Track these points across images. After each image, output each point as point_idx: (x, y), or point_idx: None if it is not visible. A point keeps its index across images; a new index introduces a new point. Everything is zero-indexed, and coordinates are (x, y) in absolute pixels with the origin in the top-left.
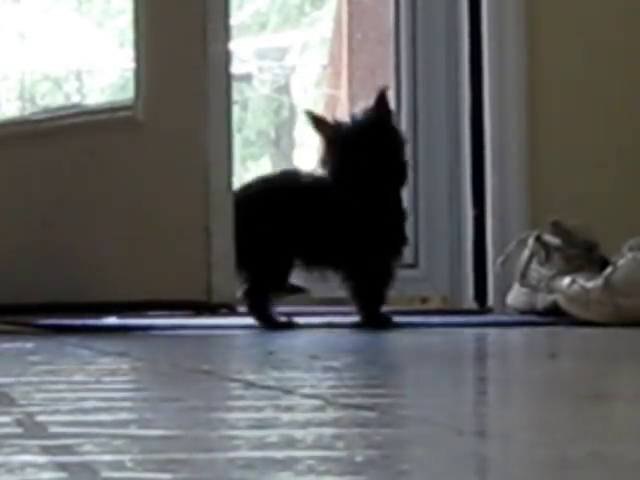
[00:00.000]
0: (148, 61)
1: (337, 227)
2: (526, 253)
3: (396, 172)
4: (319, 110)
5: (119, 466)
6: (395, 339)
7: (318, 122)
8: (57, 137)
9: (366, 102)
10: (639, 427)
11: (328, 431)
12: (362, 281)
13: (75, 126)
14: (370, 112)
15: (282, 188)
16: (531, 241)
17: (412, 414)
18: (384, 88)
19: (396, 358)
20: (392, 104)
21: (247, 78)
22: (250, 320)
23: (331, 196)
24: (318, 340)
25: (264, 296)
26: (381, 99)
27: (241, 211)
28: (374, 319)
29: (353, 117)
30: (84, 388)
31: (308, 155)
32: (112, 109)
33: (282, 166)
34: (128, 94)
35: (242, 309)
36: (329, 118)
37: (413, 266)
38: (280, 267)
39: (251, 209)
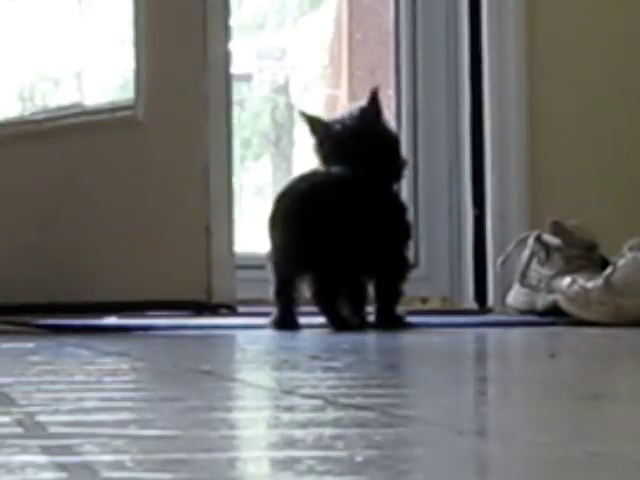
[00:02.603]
0: (148, 61)
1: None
2: (526, 253)
3: (386, 169)
4: (319, 110)
5: (119, 466)
6: (395, 339)
7: (312, 122)
8: (57, 137)
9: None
10: (637, 427)
11: (328, 431)
12: (378, 280)
13: (75, 126)
14: (360, 112)
15: (340, 185)
16: (531, 241)
17: (412, 414)
18: (375, 88)
19: (396, 358)
20: (386, 103)
21: (247, 78)
22: (250, 320)
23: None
24: (318, 340)
25: (336, 296)
26: (372, 99)
27: (309, 208)
28: (390, 319)
29: (343, 117)
30: (84, 388)
31: (308, 155)
32: (112, 109)
33: (282, 166)
34: (128, 94)
35: (242, 309)
36: (323, 118)
37: (413, 266)
38: (351, 266)
39: (322, 206)
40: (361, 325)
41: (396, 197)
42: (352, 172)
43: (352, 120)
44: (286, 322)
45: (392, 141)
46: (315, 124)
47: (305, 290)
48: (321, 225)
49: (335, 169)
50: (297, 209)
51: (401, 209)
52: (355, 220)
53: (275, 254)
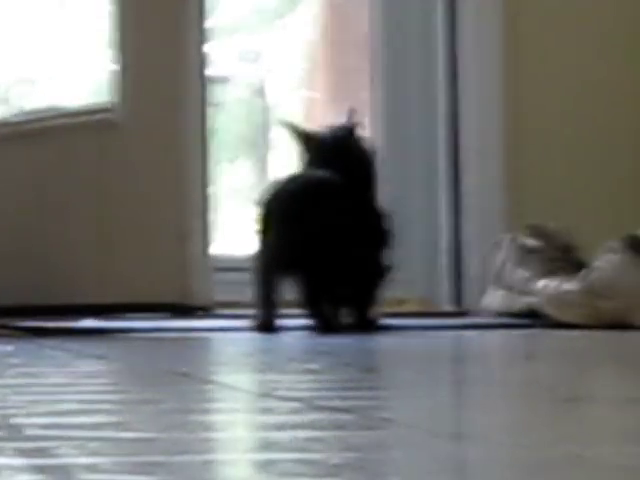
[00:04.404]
0: (126, 64)
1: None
2: (502, 255)
3: (361, 184)
4: (296, 112)
5: (95, 469)
6: (373, 341)
7: (294, 131)
8: (34, 139)
9: (341, 112)
10: (616, 429)
11: (305, 433)
12: (354, 284)
13: (52, 128)
14: (340, 130)
15: (330, 188)
16: (508, 243)
17: (389, 416)
18: (352, 110)
19: (374, 360)
20: (364, 119)
21: (224, 80)
22: (227, 322)
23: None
24: (296, 342)
25: (323, 299)
26: (350, 119)
27: (304, 209)
28: (364, 322)
29: (325, 132)
30: (61, 390)
31: (284, 158)
32: (90, 111)
33: (258, 169)
34: (106, 96)
35: (219, 311)
36: (304, 127)
37: (391, 268)
38: (338, 268)
39: (316, 208)
40: (343, 328)
41: (376, 204)
42: (338, 178)
43: (334, 133)
44: (267, 325)
45: (368, 158)
46: (295, 132)
47: (287, 293)
48: (314, 226)
49: (323, 173)
50: (292, 209)
51: (381, 217)
52: (342, 224)
53: (265, 255)
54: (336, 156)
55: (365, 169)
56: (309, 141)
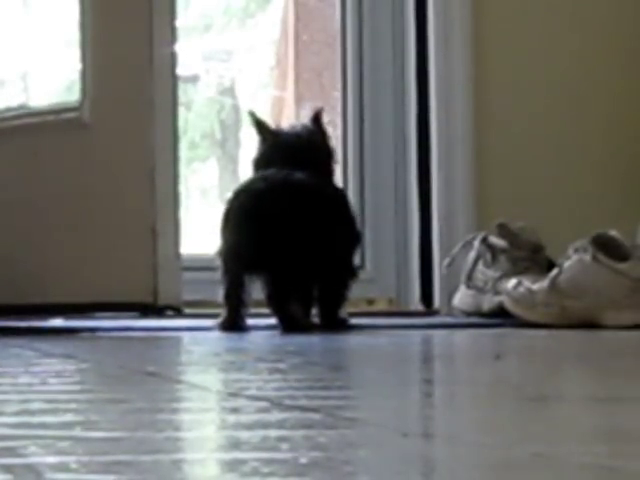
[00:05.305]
0: (94, 62)
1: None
2: (472, 255)
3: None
4: (265, 112)
5: (64, 468)
6: (341, 341)
7: (260, 125)
8: (2, 138)
9: (311, 107)
10: (583, 428)
11: (273, 433)
12: (324, 283)
13: (21, 127)
14: (306, 129)
15: (299, 188)
16: (477, 243)
17: (357, 416)
18: (319, 110)
19: (342, 360)
20: (333, 104)
21: (193, 80)
22: (196, 322)
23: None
24: (264, 342)
25: (289, 298)
26: (316, 120)
27: (266, 208)
28: (333, 322)
29: (292, 129)
30: (29, 390)
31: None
32: (58, 110)
33: (228, 168)
34: (74, 96)
35: (188, 311)
36: (272, 122)
37: (359, 267)
38: (305, 268)
39: (280, 206)
40: (311, 327)
41: (347, 205)
42: (307, 177)
43: (300, 132)
44: (234, 324)
45: (330, 158)
46: (262, 128)
47: (254, 292)
48: (278, 225)
49: (292, 172)
50: (254, 208)
51: (351, 218)
52: (310, 223)
53: (227, 253)
54: (296, 153)
55: (325, 167)
56: (273, 136)
